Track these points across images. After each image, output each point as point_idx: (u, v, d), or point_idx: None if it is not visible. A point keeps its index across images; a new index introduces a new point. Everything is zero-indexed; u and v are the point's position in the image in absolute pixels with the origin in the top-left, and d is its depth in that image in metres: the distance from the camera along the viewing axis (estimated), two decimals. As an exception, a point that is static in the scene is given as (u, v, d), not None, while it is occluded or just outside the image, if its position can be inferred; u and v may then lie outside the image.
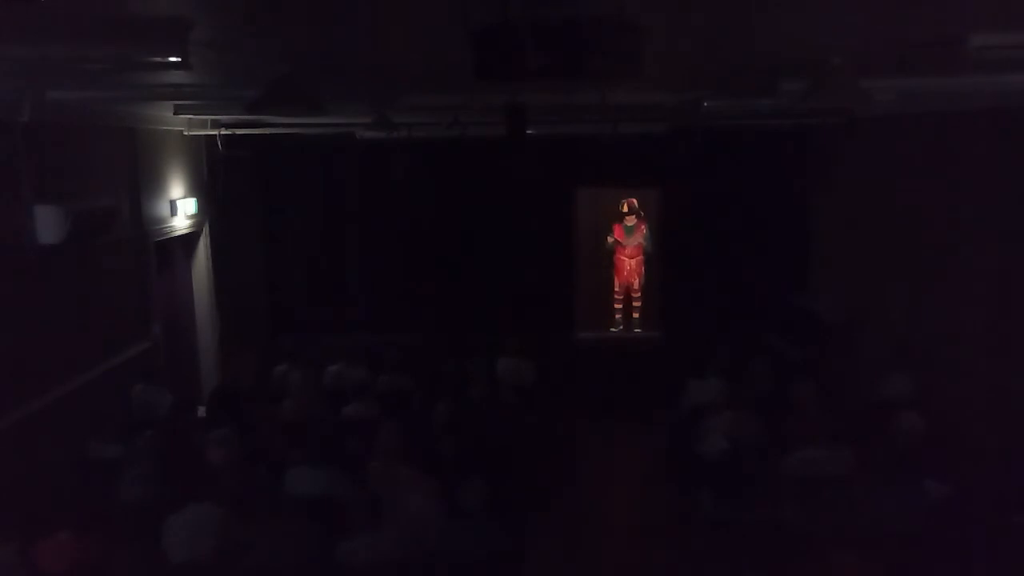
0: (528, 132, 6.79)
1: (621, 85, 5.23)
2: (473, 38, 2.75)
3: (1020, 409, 5.56)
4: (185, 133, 8.01)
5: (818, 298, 8.88)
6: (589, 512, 6.86)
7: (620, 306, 9.79)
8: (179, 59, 3.40)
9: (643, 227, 9.62)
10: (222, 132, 8.12)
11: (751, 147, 8.89)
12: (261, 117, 7.09)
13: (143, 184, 7.17)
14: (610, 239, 9.57)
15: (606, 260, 9.73)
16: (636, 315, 9.74)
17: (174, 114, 7.26)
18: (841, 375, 6.86)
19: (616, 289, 9.77)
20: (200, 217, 8.36)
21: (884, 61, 4.24)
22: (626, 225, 9.61)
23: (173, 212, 7.71)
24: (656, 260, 9.65)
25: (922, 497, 4.63)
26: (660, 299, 9.61)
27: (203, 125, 8.15)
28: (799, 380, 6.38)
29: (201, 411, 6.58)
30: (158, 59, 3.60)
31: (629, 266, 9.66)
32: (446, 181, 9.40)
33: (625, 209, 9.54)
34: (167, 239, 7.67)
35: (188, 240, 8.32)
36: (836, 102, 5.46)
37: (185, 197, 7.96)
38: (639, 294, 9.72)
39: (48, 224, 5.43)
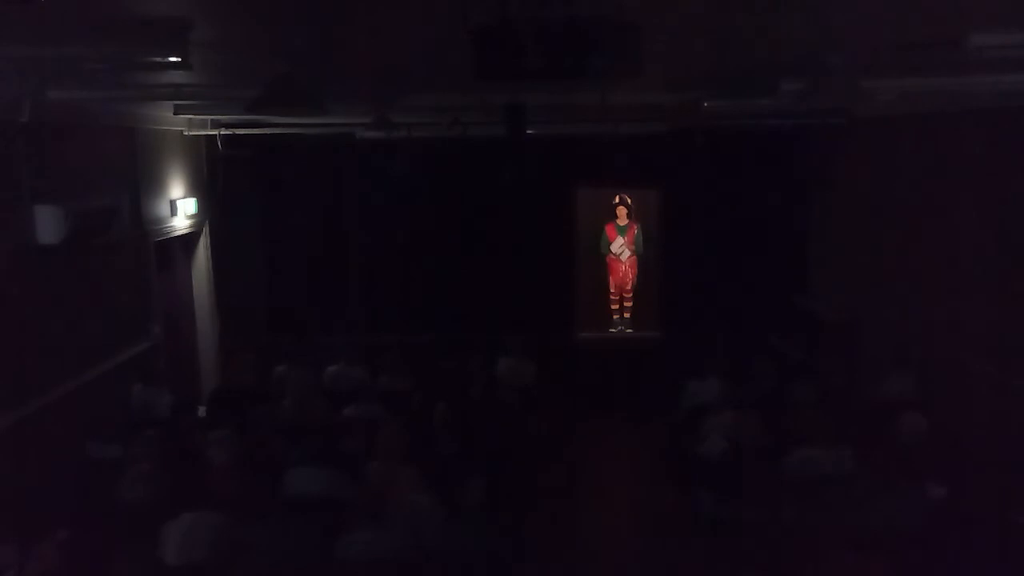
0: (528, 132, 6.79)
1: (621, 85, 5.24)
2: (473, 38, 2.75)
3: (1020, 409, 5.56)
4: (185, 133, 8.01)
5: (818, 298, 8.88)
6: (589, 512, 6.86)
7: (617, 307, 9.81)
8: (179, 59, 3.41)
9: (635, 226, 9.63)
10: (222, 132, 8.12)
11: (751, 147, 8.89)
12: (261, 117, 7.10)
13: (143, 184, 7.17)
14: (604, 248, 9.61)
15: (602, 261, 9.75)
16: (627, 315, 9.75)
17: (174, 114, 7.26)
18: (841, 375, 6.86)
19: (612, 290, 9.78)
20: (200, 217, 8.36)
21: (884, 61, 4.24)
22: (618, 224, 9.63)
23: (173, 212, 7.71)
24: (655, 260, 9.66)
25: (922, 497, 4.63)
26: (660, 299, 9.62)
27: (203, 125, 8.16)
28: (799, 380, 6.38)
29: (201, 411, 6.58)
30: (158, 59, 3.60)
31: (622, 266, 9.68)
32: (446, 181, 9.39)
33: (616, 201, 9.55)
34: (167, 239, 7.67)
35: (188, 240, 8.32)
36: (836, 102, 5.46)
37: (185, 197, 7.96)
38: (631, 294, 9.74)
39: (48, 224, 5.43)
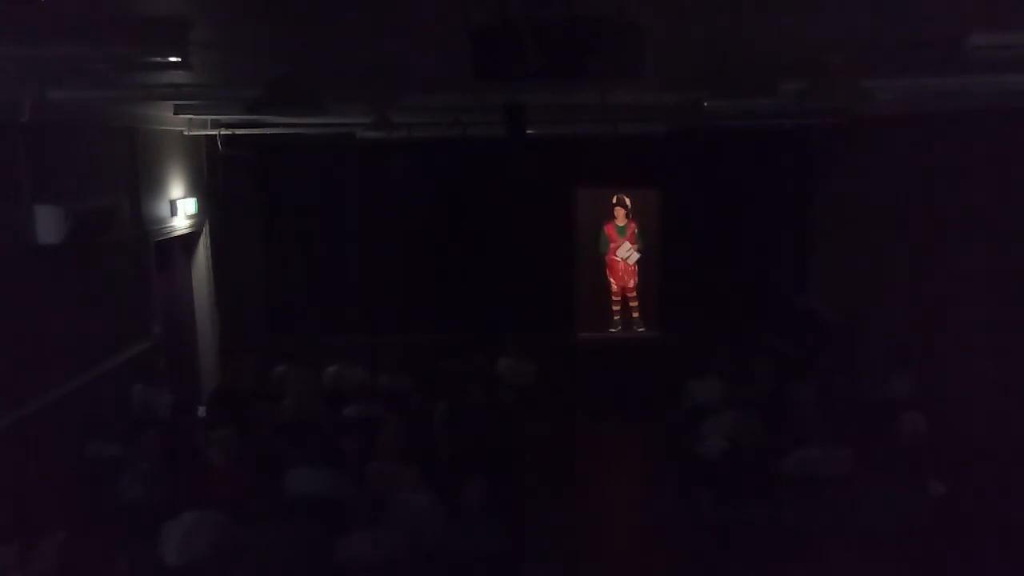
0: (528, 132, 6.79)
1: (621, 85, 5.23)
2: (473, 38, 2.74)
3: (1020, 409, 5.55)
4: (185, 133, 8.01)
5: (818, 298, 8.88)
6: (589, 512, 6.86)
7: (618, 307, 9.81)
8: (179, 59, 3.41)
9: (634, 226, 9.63)
10: (222, 132, 8.12)
11: (751, 147, 8.89)
12: (261, 117, 7.09)
13: (143, 184, 7.17)
14: (603, 247, 9.61)
15: (602, 261, 9.75)
16: (635, 315, 9.76)
17: (174, 114, 7.26)
18: (841, 375, 6.85)
19: (613, 290, 9.78)
20: (200, 217, 8.36)
21: (884, 61, 4.24)
22: (617, 224, 9.64)
23: (173, 212, 7.71)
24: (655, 260, 9.65)
25: (922, 497, 4.63)
26: (660, 299, 9.62)
27: (203, 125, 8.15)
28: (799, 380, 6.38)
29: (201, 411, 6.59)
30: (158, 59, 3.60)
31: (623, 266, 9.68)
32: (446, 181, 9.40)
33: (614, 201, 9.56)
34: (167, 239, 7.67)
35: (188, 240, 8.32)
36: (836, 102, 5.45)
37: (185, 197, 7.96)
38: (634, 293, 9.74)
39: (48, 224, 5.43)
